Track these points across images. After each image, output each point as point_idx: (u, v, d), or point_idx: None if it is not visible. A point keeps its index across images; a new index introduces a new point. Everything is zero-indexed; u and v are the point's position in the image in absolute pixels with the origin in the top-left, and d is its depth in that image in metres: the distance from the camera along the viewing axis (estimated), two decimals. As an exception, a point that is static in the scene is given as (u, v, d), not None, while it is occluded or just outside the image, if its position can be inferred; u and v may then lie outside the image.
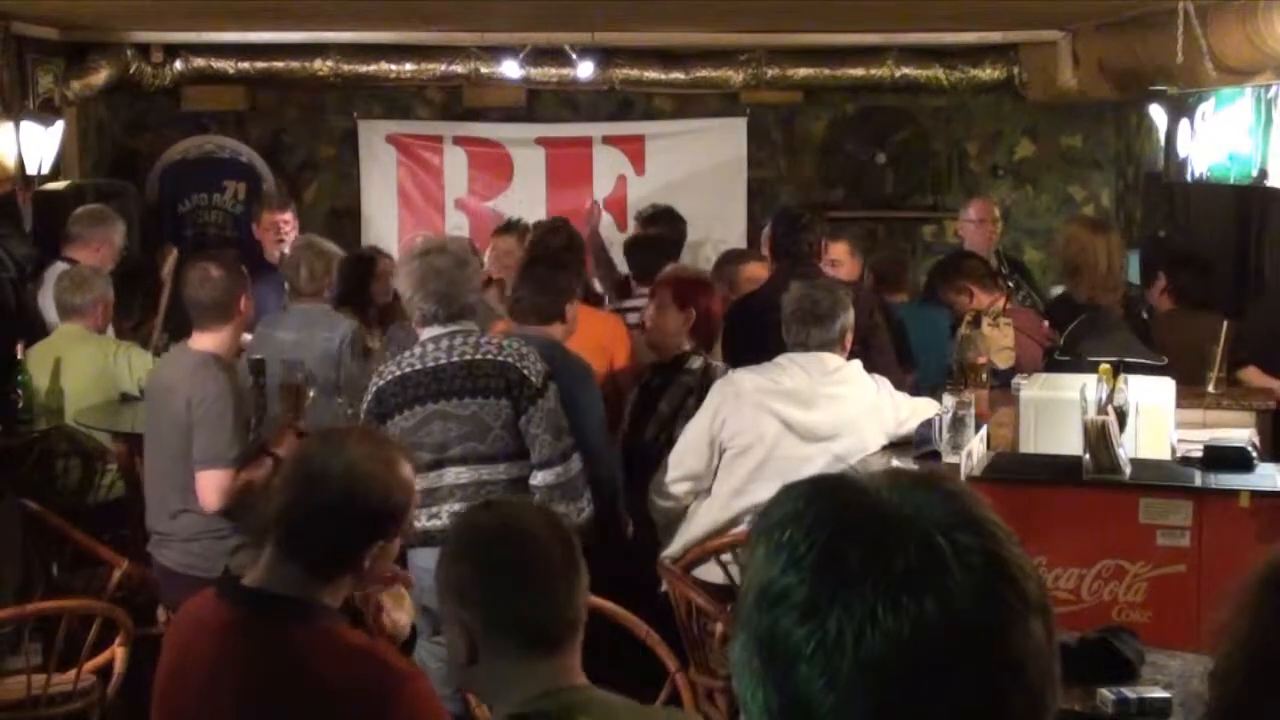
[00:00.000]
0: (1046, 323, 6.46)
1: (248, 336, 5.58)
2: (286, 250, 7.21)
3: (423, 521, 4.25)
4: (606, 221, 9.68)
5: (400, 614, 2.87)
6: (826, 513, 1.06)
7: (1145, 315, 6.71)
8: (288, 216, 7.42)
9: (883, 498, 1.07)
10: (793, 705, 1.02)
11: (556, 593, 2.21)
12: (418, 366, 4.33)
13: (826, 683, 1.00)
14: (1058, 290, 7.50)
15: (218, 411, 4.44)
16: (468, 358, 4.30)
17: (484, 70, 9.42)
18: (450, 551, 2.29)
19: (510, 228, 7.33)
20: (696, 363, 5.19)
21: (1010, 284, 6.98)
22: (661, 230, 7.09)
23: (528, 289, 4.97)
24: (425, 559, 4.27)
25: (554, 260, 5.61)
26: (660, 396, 5.20)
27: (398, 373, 4.36)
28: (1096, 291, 6.23)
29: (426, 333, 4.38)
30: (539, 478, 4.29)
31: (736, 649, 1.07)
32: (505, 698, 2.19)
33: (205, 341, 4.61)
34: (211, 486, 4.44)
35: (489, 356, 4.30)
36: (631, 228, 7.71)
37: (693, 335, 5.27)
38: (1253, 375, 6.11)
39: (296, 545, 2.59)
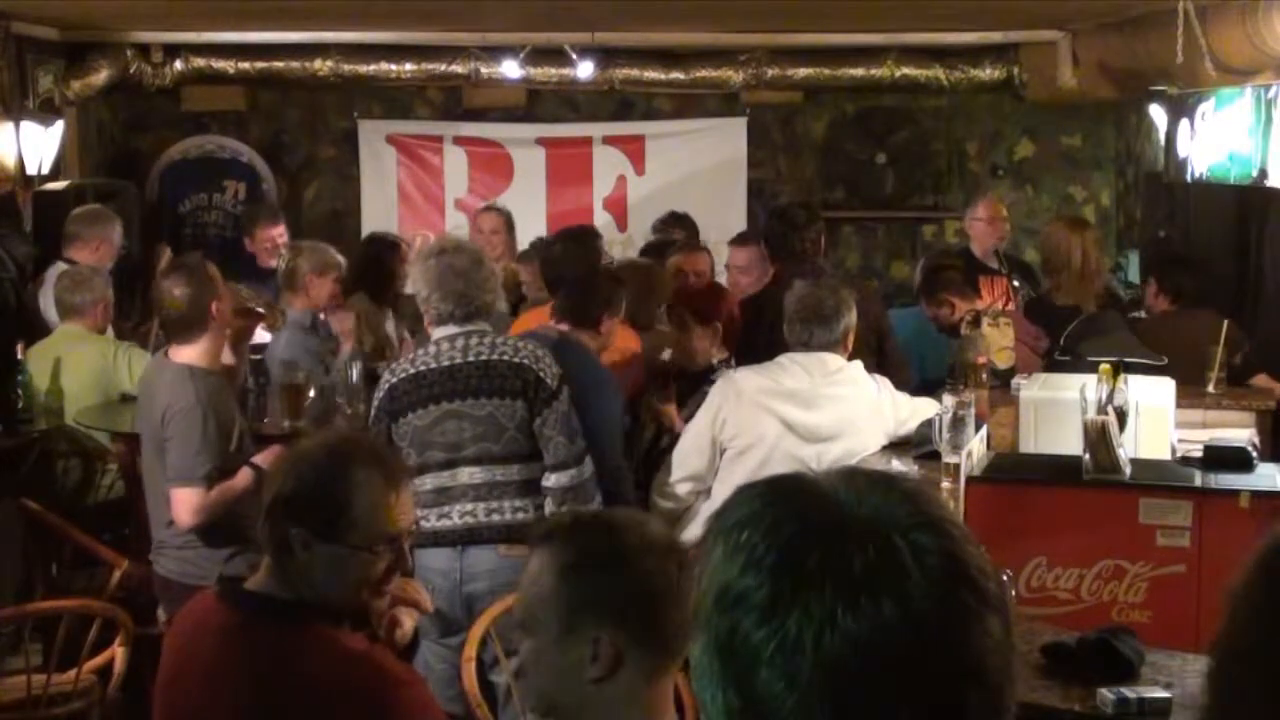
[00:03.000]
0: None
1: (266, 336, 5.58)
2: (279, 261, 7.22)
3: (433, 521, 4.24)
4: (607, 222, 9.68)
5: (408, 620, 2.91)
6: (785, 514, 1.06)
7: (1142, 315, 6.71)
8: (281, 229, 7.48)
9: (841, 499, 1.07)
10: (753, 707, 1.03)
11: (684, 610, 2.03)
12: (432, 365, 4.31)
13: (787, 684, 1.01)
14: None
15: (187, 427, 4.32)
16: (483, 358, 4.29)
17: (484, 70, 9.41)
18: (586, 563, 2.11)
19: (493, 208, 7.35)
20: (719, 375, 5.15)
21: (1015, 285, 6.97)
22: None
23: (570, 291, 4.99)
24: (435, 559, 4.27)
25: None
26: (681, 403, 5.19)
27: (411, 370, 4.34)
28: (1072, 290, 6.23)
29: (440, 332, 4.36)
30: (553, 480, 4.28)
31: (696, 652, 1.07)
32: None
33: (185, 353, 4.47)
34: (183, 504, 4.33)
35: (505, 358, 4.29)
36: (649, 236, 7.60)
37: (726, 341, 5.19)
38: (1262, 382, 6.12)
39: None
